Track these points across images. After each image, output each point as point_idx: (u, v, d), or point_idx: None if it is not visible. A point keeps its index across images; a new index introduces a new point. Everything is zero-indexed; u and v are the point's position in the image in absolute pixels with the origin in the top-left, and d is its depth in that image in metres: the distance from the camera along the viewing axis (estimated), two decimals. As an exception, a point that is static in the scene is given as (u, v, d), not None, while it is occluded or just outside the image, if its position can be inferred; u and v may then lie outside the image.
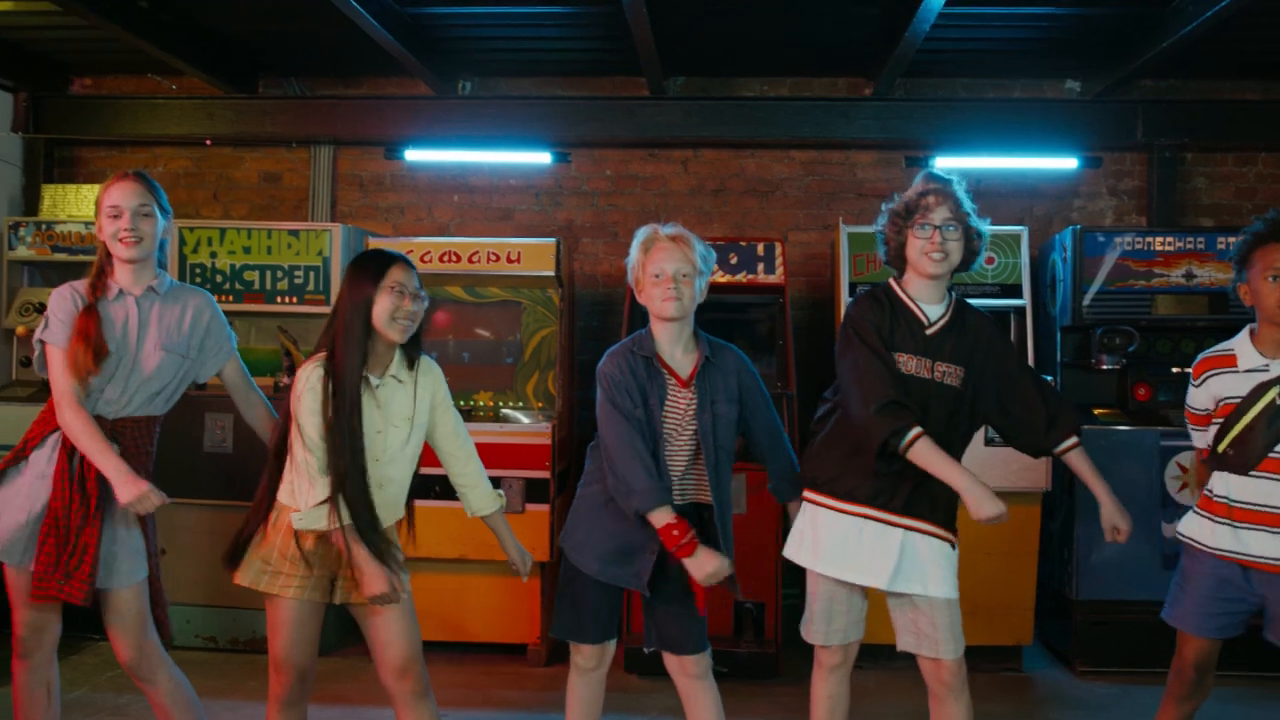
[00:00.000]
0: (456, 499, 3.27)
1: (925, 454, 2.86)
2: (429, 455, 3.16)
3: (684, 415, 3.11)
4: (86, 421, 3.02)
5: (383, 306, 2.92)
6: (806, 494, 3.16)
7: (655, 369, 3.13)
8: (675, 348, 3.16)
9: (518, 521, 4.74)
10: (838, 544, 3.06)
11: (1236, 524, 3.04)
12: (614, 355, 3.17)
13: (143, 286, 3.17)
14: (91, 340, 3.02)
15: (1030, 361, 4.96)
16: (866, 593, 3.15)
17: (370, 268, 2.96)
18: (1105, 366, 5.09)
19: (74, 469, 3.05)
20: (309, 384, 2.88)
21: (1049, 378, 4.85)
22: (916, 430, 2.86)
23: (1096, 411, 5.08)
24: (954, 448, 3.00)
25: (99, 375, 3.05)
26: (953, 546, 3.03)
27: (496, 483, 4.62)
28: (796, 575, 5.07)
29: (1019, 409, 3.07)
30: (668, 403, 3.11)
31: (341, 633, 5.01)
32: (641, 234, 3.18)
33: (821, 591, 3.14)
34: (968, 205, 3.08)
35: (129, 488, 2.96)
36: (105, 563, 3.07)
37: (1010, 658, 4.95)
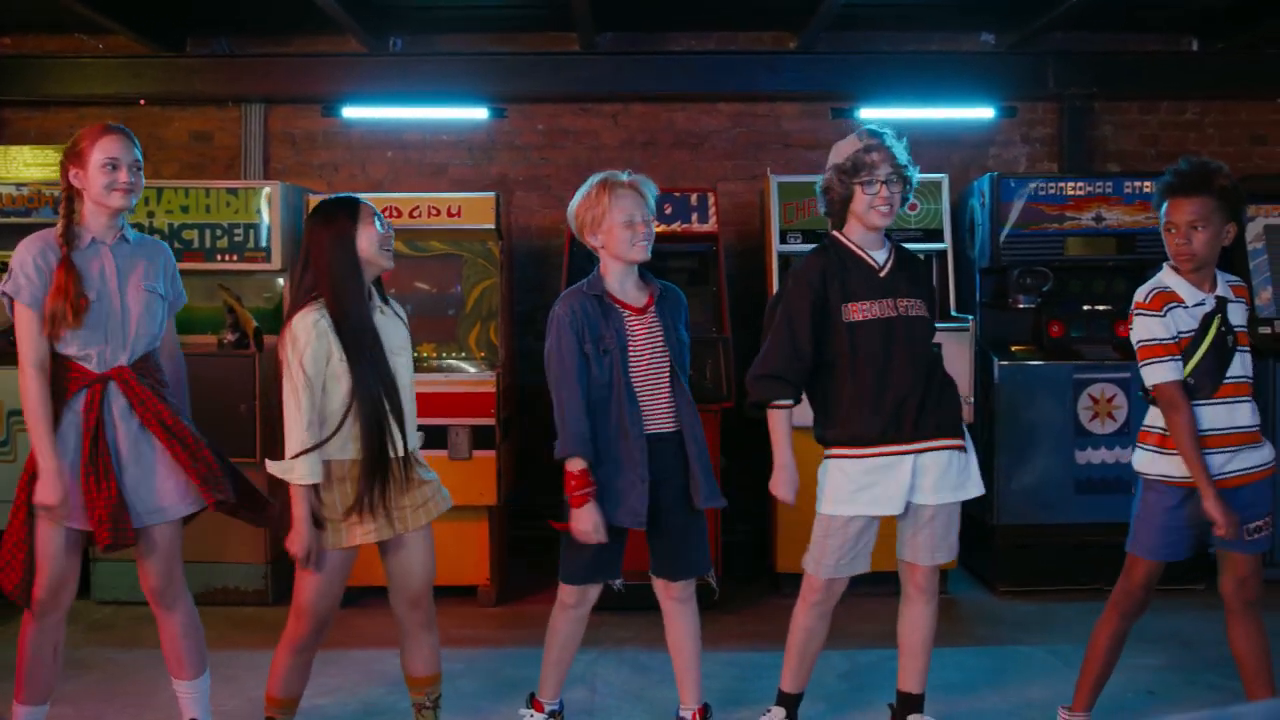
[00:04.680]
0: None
1: (773, 426, 3.31)
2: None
3: (650, 340, 3.31)
4: (42, 392, 3.04)
5: (368, 237, 3.04)
6: (826, 453, 3.35)
7: (607, 305, 3.31)
8: (626, 285, 3.36)
9: (466, 468, 4.88)
10: (858, 486, 3.27)
11: (1209, 451, 3.13)
12: (564, 298, 3.34)
13: (114, 236, 3.19)
14: (71, 295, 3.02)
15: (952, 302, 5.22)
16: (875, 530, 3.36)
17: (341, 208, 3.07)
18: (1021, 305, 5.37)
19: (95, 422, 3.08)
20: (314, 332, 2.95)
21: (970, 317, 5.10)
22: (780, 403, 3.29)
23: (1014, 348, 5.34)
24: (936, 371, 3.31)
25: (92, 332, 3.08)
26: (963, 450, 3.29)
27: (441, 431, 4.81)
28: (735, 513, 5.31)
29: None
30: (628, 332, 3.30)
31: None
32: (602, 179, 3.32)
33: (835, 531, 3.30)
34: (904, 158, 3.27)
35: (51, 489, 3.00)
36: (141, 501, 3.13)
37: (936, 582, 5.23)
